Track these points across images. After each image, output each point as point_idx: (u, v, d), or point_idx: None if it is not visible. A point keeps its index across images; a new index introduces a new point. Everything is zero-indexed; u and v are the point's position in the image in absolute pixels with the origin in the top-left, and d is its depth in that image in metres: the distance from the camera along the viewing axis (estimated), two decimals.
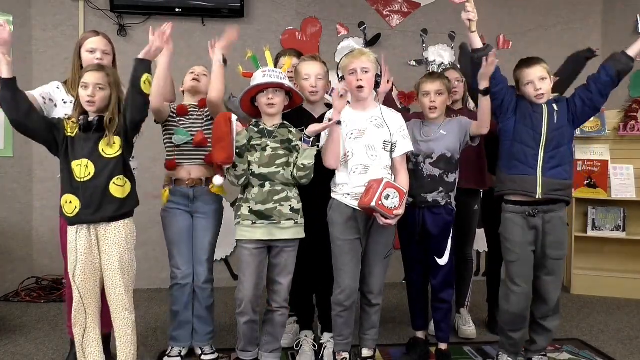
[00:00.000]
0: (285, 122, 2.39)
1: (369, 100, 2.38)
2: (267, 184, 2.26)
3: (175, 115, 2.54)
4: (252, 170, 2.29)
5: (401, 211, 2.21)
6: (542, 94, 2.35)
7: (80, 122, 2.13)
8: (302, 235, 2.35)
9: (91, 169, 2.12)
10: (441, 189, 2.48)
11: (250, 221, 2.27)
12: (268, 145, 2.30)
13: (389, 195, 2.15)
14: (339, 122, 2.25)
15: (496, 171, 2.52)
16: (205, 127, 2.54)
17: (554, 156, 2.33)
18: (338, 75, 2.43)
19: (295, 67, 2.65)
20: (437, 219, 2.49)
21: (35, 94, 2.40)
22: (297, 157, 2.31)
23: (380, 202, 2.14)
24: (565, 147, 2.36)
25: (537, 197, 2.31)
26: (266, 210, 2.25)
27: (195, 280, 2.55)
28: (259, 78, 2.30)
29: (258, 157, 2.29)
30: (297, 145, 2.33)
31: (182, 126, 2.52)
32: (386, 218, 2.20)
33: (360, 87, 2.30)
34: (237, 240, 2.33)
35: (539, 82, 2.34)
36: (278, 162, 2.29)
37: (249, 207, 2.28)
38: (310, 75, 2.53)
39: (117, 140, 2.17)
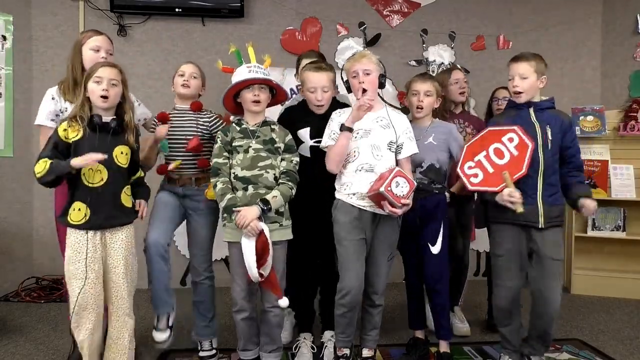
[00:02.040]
0: (268, 119, 2.38)
1: (375, 101, 2.37)
2: (251, 187, 2.24)
3: (158, 124, 2.50)
4: (235, 173, 2.27)
5: (409, 201, 2.20)
6: (519, 93, 2.34)
7: (95, 121, 2.09)
8: (289, 236, 2.33)
9: (104, 174, 2.10)
10: (435, 191, 2.53)
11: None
12: (250, 147, 2.28)
13: (398, 183, 2.16)
14: (349, 130, 2.25)
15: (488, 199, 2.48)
16: (201, 132, 2.54)
17: (552, 183, 2.31)
18: (342, 78, 2.42)
19: (301, 73, 2.64)
20: (428, 201, 2.50)
21: (48, 124, 2.38)
22: (281, 160, 2.31)
23: (389, 189, 2.14)
24: (557, 171, 2.36)
25: (539, 226, 2.29)
26: None
27: (193, 276, 2.56)
28: (244, 74, 2.26)
29: (240, 160, 2.27)
30: (280, 146, 2.32)
31: (167, 134, 2.48)
32: (393, 206, 2.19)
33: (364, 90, 2.29)
34: (226, 241, 2.32)
35: (518, 79, 2.34)
36: (261, 164, 2.26)
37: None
38: (316, 89, 2.49)
39: (128, 150, 2.17)
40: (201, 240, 2.55)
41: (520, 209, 2.23)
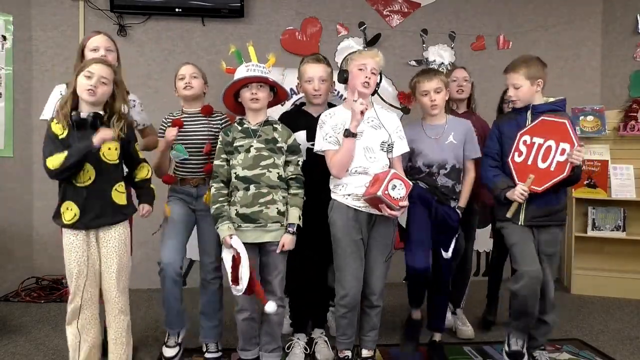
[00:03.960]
0: (270, 118, 2.38)
1: (366, 101, 2.35)
2: (252, 186, 2.25)
3: (165, 126, 2.51)
4: (236, 173, 2.27)
5: (406, 203, 2.20)
6: (513, 100, 2.42)
7: (73, 118, 2.05)
8: None
9: (91, 172, 2.08)
10: (454, 197, 2.55)
11: (237, 224, 2.26)
12: (252, 146, 2.28)
13: (395, 186, 2.15)
14: (354, 135, 2.23)
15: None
16: (214, 136, 2.53)
17: None
18: (341, 66, 2.39)
19: (299, 68, 2.64)
20: (449, 213, 2.53)
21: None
22: (287, 163, 2.33)
23: (386, 192, 2.14)
24: None
25: (519, 223, 2.36)
26: (252, 214, 2.24)
27: (203, 276, 2.55)
28: (242, 72, 2.28)
29: (242, 159, 2.27)
30: (283, 146, 2.32)
31: (180, 140, 2.48)
32: (391, 209, 2.19)
33: (367, 83, 2.28)
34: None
35: (512, 89, 2.40)
36: (262, 163, 2.26)
37: (235, 210, 2.27)
38: (313, 78, 2.52)
39: (118, 146, 2.14)
40: (210, 241, 2.53)
41: (510, 214, 2.33)
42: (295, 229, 2.28)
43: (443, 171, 2.51)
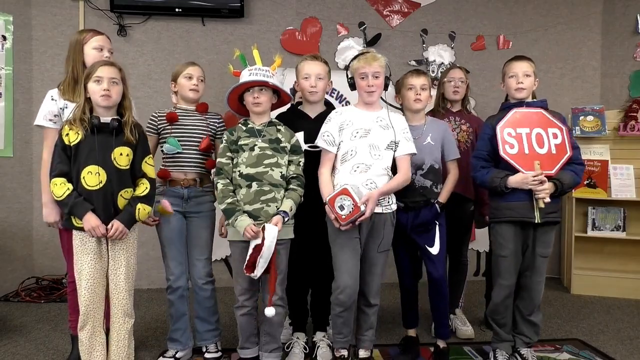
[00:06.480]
0: (274, 120, 2.40)
1: (377, 102, 2.39)
2: (255, 184, 2.26)
3: (166, 123, 2.51)
4: (240, 170, 2.28)
5: (348, 227, 2.22)
6: (523, 89, 2.44)
7: (94, 123, 2.08)
8: (291, 235, 2.35)
9: (103, 177, 2.09)
10: (432, 199, 2.52)
11: None
12: (256, 145, 2.30)
13: (343, 206, 2.19)
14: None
15: (488, 198, 2.56)
16: (211, 133, 2.55)
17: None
18: (347, 76, 2.42)
19: (296, 66, 2.65)
20: (426, 213, 2.51)
21: (46, 124, 2.34)
22: (289, 163, 2.34)
23: (334, 203, 2.19)
24: None
25: (535, 221, 2.35)
26: (254, 211, 2.25)
27: (194, 281, 2.54)
28: (245, 76, 2.31)
29: (246, 157, 2.29)
30: (286, 146, 2.34)
31: (174, 133, 2.48)
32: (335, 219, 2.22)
33: (372, 92, 2.33)
34: (228, 240, 2.36)
35: (523, 77, 2.44)
36: (266, 162, 2.28)
37: None
38: (310, 75, 2.54)
39: (130, 152, 2.15)
40: (202, 243, 2.54)
41: (541, 204, 2.31)
42: (285, 217, 2.25)
43: (420, 172, 2.51)
